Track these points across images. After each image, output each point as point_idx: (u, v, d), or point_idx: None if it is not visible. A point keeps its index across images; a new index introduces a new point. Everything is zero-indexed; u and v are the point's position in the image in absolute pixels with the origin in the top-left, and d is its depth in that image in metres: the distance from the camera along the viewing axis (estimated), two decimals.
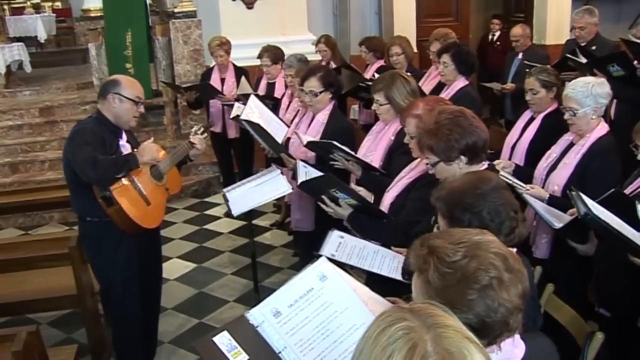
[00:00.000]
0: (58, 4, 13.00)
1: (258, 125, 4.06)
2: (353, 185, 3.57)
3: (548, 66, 4.15)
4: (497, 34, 9.00)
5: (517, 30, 6.53)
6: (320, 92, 3.96)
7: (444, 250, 1.44)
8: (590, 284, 3.32)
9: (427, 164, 2.62)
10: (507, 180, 3.34)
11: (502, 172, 3.45)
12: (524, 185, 3.40)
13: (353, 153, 3.67)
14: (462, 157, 2.48)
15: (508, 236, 1.94)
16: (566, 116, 3.39)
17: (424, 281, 1.45)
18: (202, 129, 3.80)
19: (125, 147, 3.49)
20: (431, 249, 1.46)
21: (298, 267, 4.42)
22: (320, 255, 2.66)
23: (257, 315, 1.80)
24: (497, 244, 1.47)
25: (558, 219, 3.05)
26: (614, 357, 2.78)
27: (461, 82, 4.55)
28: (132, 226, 3.39)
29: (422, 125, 2.69)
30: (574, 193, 2.66)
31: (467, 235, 1.49)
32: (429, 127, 2.56)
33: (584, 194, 2.66)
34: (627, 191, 2.98)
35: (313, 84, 3.97)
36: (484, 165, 2.58)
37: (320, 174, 3.26)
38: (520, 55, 6.39)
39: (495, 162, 3.77)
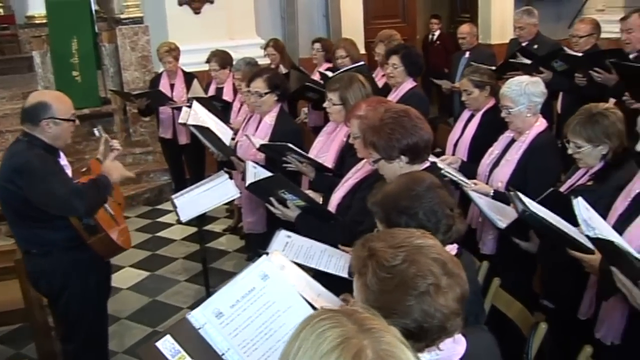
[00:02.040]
0: (0, 11, 12.67)
1: (207, 128, 4.05)
2: (307, 190, 3.59)
3: (480, 65, 4.25)
4: (437, 33, 9.11)
5: (464, 28, 6.66)
6: (266, 93, 3.98)
7: (383, 255, 1.45)
8: (535, 277, 3.41)
9: (372, 161, 2.66)
10: (452, 177, 3.42)
11: (447, 168, 3.52)
12: (468, 181, 3.47)
13: (307, 155, 3.70)
14: (402, 156, 2.52)
15: (446, 234, 1.97)
16: (503, 114, 3.49)
17: (363, 284, 1.46)
18: (102, 134, 3.61)
19: (68, 167, 3.28)
20: (371, 251, 1.48)
21: None
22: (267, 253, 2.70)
23: (199, 316, 1.81)
24: (438, 249, 1.49)
25: (503, 215, 3.11)
26: (558, 346, 2.85)
27: (409, 84, 4.59)
28: (114, 251, 3.29)
29: (367, 122, 2.73)
30: (511, 193, 2.71)
31: (409, 238, 1.50)
32: (373, 124, 2.60)
33: (522, 193, 2.71)
34: (565, 186, 3.06)
35: (259, 84, 4.00)
36: (426, 164, 2.62)
37: (270, 174, 3.27)
38: (467, 54, 6.51)
39: (442, 157, 3.84)
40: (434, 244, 1.50)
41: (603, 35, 5.54)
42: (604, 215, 2.59)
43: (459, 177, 3.48)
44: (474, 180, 3.50)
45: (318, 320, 1.15)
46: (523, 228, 2.95)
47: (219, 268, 5.33)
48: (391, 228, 1.97)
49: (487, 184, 3.53)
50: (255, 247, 4.48)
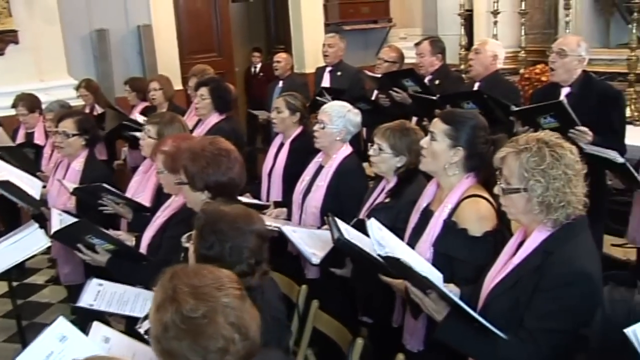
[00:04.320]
0: None
1: (10, 183, 3.85)
2: (117, 231, 3.53)
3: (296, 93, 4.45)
4: (259, 65, 9.44)
5: (281, 54, 6.90)
6: (73, 135, 3.89)
7: (185, 304, 1.44)
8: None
9: (176, 182, 2.73)
10: (269, 226, 3.48)
11: (274, 222, 3.58)
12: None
13: (123, 195, 3.65)
14: (206, 190, 2.59)
15: (238, 277, 2.02)
16: (315, 127, 3.66)
17: (158, 321, 1.47)
18: None
19: None
20: (175, 293, 1.47)
21: None
22: (79, 306, 2.64)
23: None
24: (240, 311, 1.48)
25: (319, 245, 3.16)
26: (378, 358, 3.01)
27: (215, 118, 4.69)
28: None
29: (187, 145, 2.79)
30: (330, 219, 2.78)
31: (218, 290, 1.48)
32: (194, 150, 2.66)
33: (338, 217, 2.85)
34: (366, 206, 3.25)
35: (68, 125, 3.92)
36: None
37: (75, 220, 3.19)
38: (280, 84, 6.71)
39: (268, 212, 3.89)
40: (239, 305, 1.49)
41: (406, 61, 5.99)
42: (404, 228, 2.81)
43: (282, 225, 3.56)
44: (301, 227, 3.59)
45: None
46: (337, 257, 3.08)
47: (42, 322, 5.02)
48: (199, 239, 2.06)
49: (301, 211, 3.67)
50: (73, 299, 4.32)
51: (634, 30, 5.88)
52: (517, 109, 3.98)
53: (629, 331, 1.73)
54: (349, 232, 2.70)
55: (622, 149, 3.83)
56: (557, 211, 2.08)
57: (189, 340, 1.43)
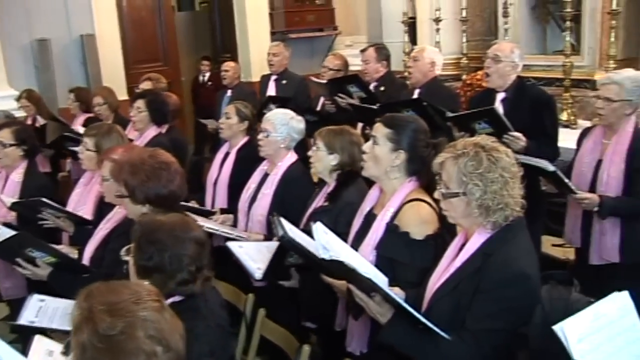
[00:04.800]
0: None
1: None
2: (59, 245, 3.45)
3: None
4: (208, 74, 9.42)
5: (229, 63, 6.89)
6: (11, 145, 3.84)
7: (101, 323, 1.41)
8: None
9: (117, 194, 2.70)
10: (223, 234, 3.49)
11: (221, 228, 3.59)
12: (242, 234, 3.58)
13: (63, 208, 3.58)
14: (147, 203, 2.57)
15: (180, 285, 2.03)
16: (260, 136, 3.67)
17: (77, 343, 1.43)
18: None
19: None
20: (90, 312, 1.43)
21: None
22: (19, 325, 2.57)
23: None
24: (160, 323, 1.46)
25: (263, 258, 3.12)
26: None
27: (153, 131, 4.62)
28: None
29: (127, 157, 2.77)
30: (275, 218, 2.81)
31: (135, 304, 1.46)
32: (134, 162, 2.64)
33: (284, 219, 2.86)
34: (309, 210, 3.27)
35: (5, 135, 3.86)
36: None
37: (13, 233, 3.10)
38: (229, 92, 6.69)
39: (214, 217, 3.89)
40: (158, 318, 1.47)
41: (351, 68, 6.04)
42: (347, 231, 2.84)
43: (228, 232, 3.56)
44: (247, 233, 3.61)
45: None
46: (278, 269, 3.07)
47: None
48: (138, 251, 2.05)
49: (247, 219, 3.67)
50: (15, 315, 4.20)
51: (567, 38, 6.06)
52: (452, 115, 4.05)
53: (557, 328, 1.77)
54: (293, 232, 2.72)
55: (555, 152, 3.97)
56: (496, 213, 2.14)
57: (109, 359, 1.40)
